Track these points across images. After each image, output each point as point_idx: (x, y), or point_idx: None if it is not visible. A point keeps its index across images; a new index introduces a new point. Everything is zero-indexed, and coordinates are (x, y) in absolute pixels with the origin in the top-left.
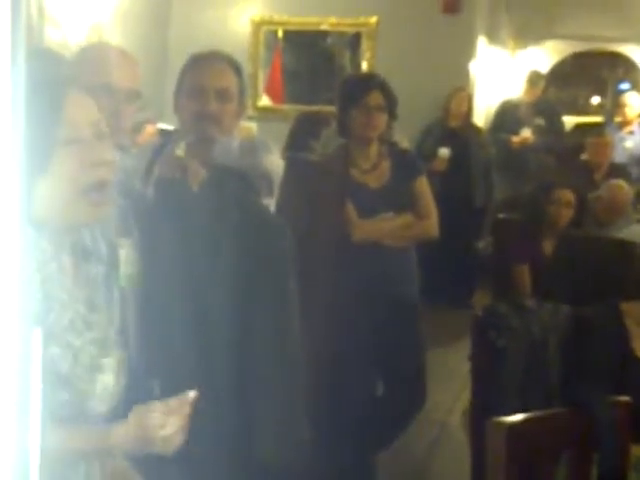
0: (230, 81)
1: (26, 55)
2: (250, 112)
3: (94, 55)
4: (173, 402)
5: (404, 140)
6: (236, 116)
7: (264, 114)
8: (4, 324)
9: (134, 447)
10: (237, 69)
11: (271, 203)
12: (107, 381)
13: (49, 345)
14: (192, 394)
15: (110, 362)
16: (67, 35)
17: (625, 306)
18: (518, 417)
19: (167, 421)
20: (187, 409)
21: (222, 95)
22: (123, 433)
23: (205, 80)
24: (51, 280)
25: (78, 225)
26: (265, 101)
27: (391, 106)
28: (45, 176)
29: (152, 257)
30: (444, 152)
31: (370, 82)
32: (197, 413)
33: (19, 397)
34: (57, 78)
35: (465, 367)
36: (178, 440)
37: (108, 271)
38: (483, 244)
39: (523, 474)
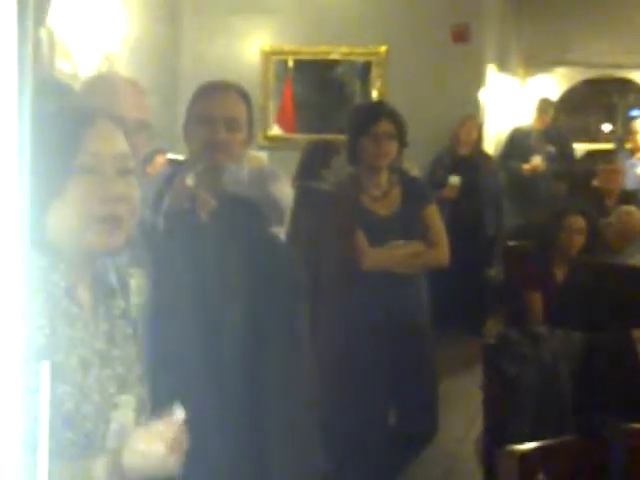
0: (239, 110)
1: (33, 85)
2: (261, 142)
3: (103, 85)
4: (157, 426)
5: (414, 168)
6: (245, 145)
7: (275, 143)
8: (11, 358)
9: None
10: (246, 98)
11: (281, 232)
12: (124, 419)
13: (56, 383)
14: (179, 415)
15: (129, 399)
16: (78, 66)
17: (637, 333)
18: (530, 445)
19: (151, 447)
20: (172, 432)
21: (231, 124)
22: (103, 467)
23: (214, 109)
24: (60, 316)
25: (89, 253)
26: (276, 130)
27: (401, 134)
28: (58, 202)
29: (163, 287)
30: (455, 180)
31: (379, 110)
32: (210, 438)
33: (27, 430)
34: (82, 107)
35: (477, 395)
36: (170, 463)
37: (124, 304)
38: (494, 272)
39: None
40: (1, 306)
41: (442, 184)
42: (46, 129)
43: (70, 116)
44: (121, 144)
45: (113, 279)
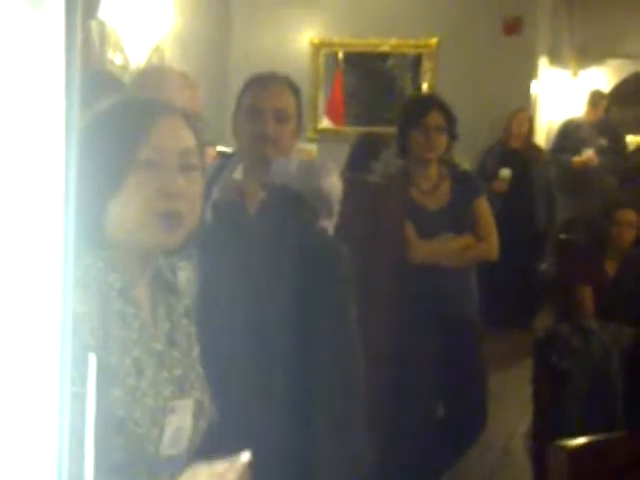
0: (288, 102)
1: (83, 78)
2: (311, 134)
3: (154, 77)
4: (220, 465)
5: (465, 161)
6: (293, 137)
7: (325, 136)
8: (60, 361)
9: None
10: (295, 90)
11: (330, 225)
12: (181, 424)
13: (107, 388)
14: (244, 458)
15: (187, 403)
16: (128, 58)
17: None
18: (580, 440)
19: None
20: (234, 475)
21: (280, 116)
22: None
23: (263, 101)
24: (115, 318)
25: (147, 250)
26: (325, 123)
27: (451, 126)
28: (119, 195)
29: (211, 279)
30: (506, 173)
31: (429, 103)
32: (256, 429)
33: (73, 435)
34: (151, 100)
35: (527, 389)
36: None
37: (188, 302)
38: (545, 265)
39: None
40: (52, 309)
41: (493, 177)
42: (112, 121)
43: (138, 109)
44: (188, 139)
45: (171, 276)
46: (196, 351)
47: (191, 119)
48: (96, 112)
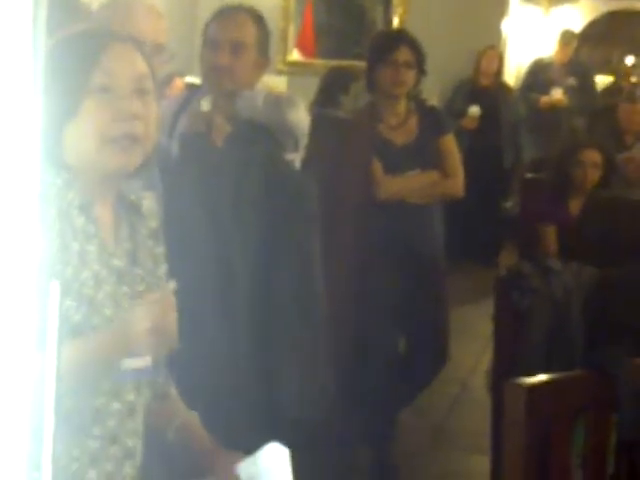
0: (246, 33)
1: (49, 4)
2: (281, 67)
3: (122, 6)
4: (152, 295)
5: (434, 97)
6: (254, 68)
7: (295, 69)
8: (21, 275)
9: (126, 348)
10: (258, 20)
11: (296, 158)
12: None
13: (62, 298)
14: (171, 285)
15: None
16: None
17: None
18: (537, 378)
19: (150, 313)
20: (163, 301)
21: (237, 48)
22: (111, 337)
23: (220, 32)
24: (75, 233)
25: (105, 172)
26: (296, 56)
27: (420, 62)
28: (74, 121)
29: (175, 210)
30: (474, 110)
31: (398, 38)
32: (219, 356)
33: (36, 353)
34: (101, 28)
35: (489, 326)
36: (167, 335)
37: (155, 224)
38: (510, 204)
39: (541, 434)
40: (13, 224)
41: (461, 114)
42: (65, 49)
43: (89, 37)
44: (139, 65)
45: (136, 199)
46: (163, 270)
47: (142, 46)
48: (53, 41)
